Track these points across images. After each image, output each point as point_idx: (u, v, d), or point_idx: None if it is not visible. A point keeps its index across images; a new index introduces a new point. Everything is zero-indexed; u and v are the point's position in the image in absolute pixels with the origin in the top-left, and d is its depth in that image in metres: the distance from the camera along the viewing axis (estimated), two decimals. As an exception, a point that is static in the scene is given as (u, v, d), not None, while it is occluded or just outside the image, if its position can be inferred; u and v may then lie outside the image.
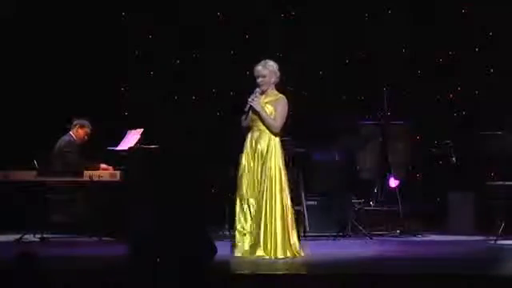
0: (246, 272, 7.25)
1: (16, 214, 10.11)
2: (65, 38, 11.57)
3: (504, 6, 11.17)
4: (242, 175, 8.20)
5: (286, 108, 8.25)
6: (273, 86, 8.29)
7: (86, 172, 9.70)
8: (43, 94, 11.43)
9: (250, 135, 8.25)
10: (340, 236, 10.02)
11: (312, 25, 11.58)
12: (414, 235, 10.39)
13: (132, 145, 10.06)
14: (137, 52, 11.94)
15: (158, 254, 6.64)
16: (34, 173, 9.62)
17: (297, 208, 10.17)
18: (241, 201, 8.19)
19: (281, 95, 8.29)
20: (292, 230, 8.13)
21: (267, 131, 8.19)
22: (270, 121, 8.18)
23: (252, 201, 8.14)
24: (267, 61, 8.26)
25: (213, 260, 7.15)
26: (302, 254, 8.16)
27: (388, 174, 10.84)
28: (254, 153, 8.17)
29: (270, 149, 8.13)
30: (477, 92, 11.46)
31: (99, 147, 10.36)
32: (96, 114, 10.64)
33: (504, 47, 11.20)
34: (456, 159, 10.63)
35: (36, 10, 11.58)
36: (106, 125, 10.72)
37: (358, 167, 11.17)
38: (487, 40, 11.39)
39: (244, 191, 8.16)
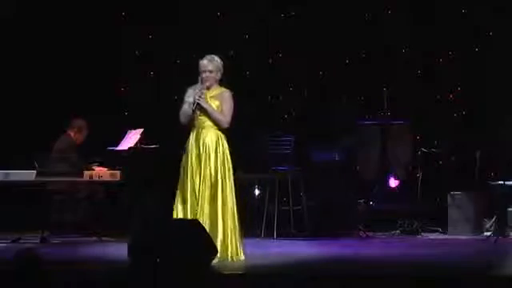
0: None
1: (16, 214, 10.11)
2: (64, 38, 11.56)
3: (503, 6, 11.16)
4: (185, 176, 7.88)
5: (233, 102, 7.97)
6: (217, 82, 8.04)
7: (86, 172, 9.69)
8: (43, 93, 11.42)
9: (193, 133, 7.93)
10: (340, 236, 10.01)
11: (312, 25, 11.57)
12: (414, 235, 10.39)
13: (132, 145, 10.05)
14: (137, 52, 11.94)
15: (158, 253, 6.64)
16: (34, 173, 9.61)
17: (297, 208, 10.20)
18: (182, 203, 7.86)
19: (225, 89, 8.02)
20: (232, 231, 7.81)
21: (213, 128, 7.89)
22: (218, 116, 7.87)
23: (194, 201, 7.79)
24: (213, 56, 7.98)
25: (213, 260, 7.17)
26: (242, 258, 7.86)
27: (388, 174, 10.84)
28: (199, 151, 7.82)
29: (218, 146, 7.84)
30: (477, 92, 11.45)
31: (99, 147, 10.35)
32: (96, 113, 10.64)
33: (504, 47, 11.19)
34: (456, 159, 10.63)
35: (36, 9, 11.58)
36: (106, 125, 10.72)
37: (358, 167, 11.17)
38: (487, 40, 11.38)
39: (188, 192, 7.82)
